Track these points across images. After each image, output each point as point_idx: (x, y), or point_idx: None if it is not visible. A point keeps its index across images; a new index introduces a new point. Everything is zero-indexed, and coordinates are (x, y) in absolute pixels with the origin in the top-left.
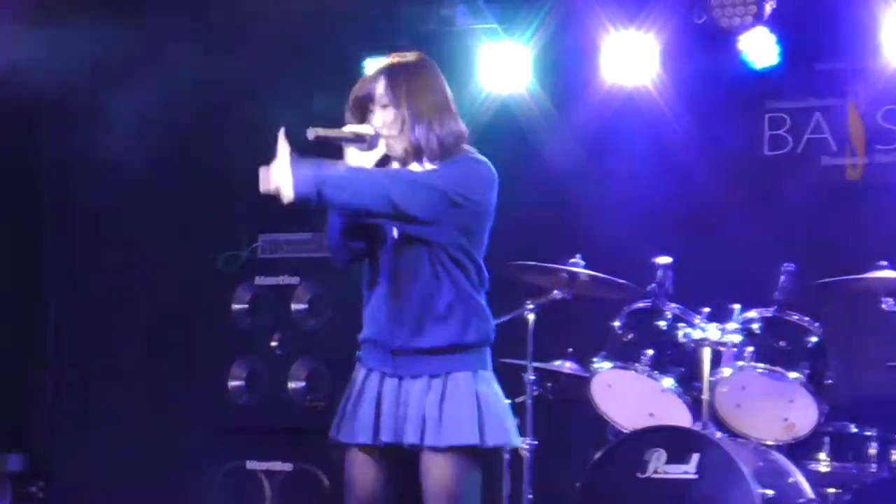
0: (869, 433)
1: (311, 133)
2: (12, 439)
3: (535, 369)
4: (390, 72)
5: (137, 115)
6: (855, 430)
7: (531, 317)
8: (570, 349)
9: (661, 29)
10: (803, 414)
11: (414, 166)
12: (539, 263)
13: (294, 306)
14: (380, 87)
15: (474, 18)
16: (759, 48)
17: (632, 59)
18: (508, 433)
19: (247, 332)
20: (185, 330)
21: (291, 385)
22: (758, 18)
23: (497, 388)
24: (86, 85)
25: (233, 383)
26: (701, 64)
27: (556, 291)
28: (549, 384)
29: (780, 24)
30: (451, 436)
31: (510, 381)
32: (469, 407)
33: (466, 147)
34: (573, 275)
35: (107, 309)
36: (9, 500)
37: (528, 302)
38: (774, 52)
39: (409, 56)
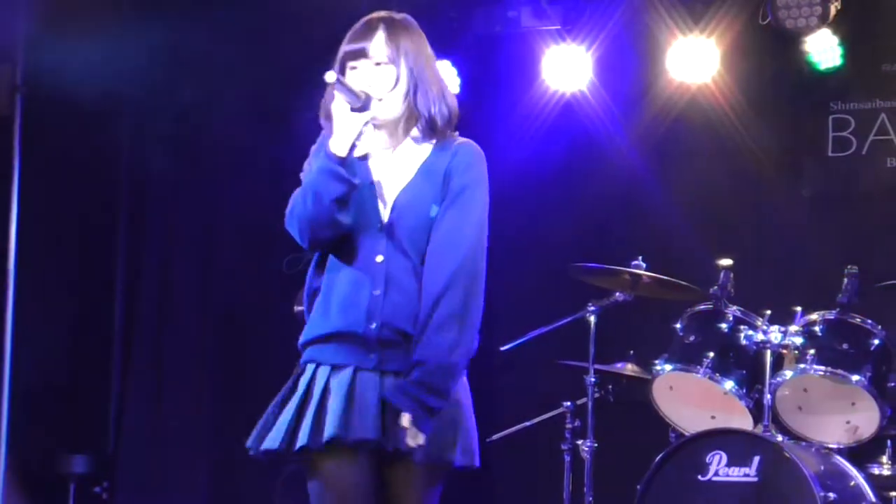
0: None
1: (331, 76)
2: (77, 440)
3: (597, 371)
4: (388, 27)
5: (204, 125)
6: None
7: (592, 318)
8: (632, 351)
9: (726, 30)
10: (866, 417)
11: (405, 144)
12: (601, 265)
13: None
14: (377, 44)
15: (538, 20)
16: (824, 49)
17: (696, 61)
18: (476, 455)
19: None
20: (251, 332)
21: None
22: (822, 20)
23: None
24: (161, 93)
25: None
26: (765, 65)
27: (618, 293)
28: (610, 386)
29: (845, 25)
30: (438, 452)
31: (571, 383)
32: (454, 422)
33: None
34: (635, 276)
35: (175, 310)
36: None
37: (589, 304)
38: (838, 53)
39: (398, 14)
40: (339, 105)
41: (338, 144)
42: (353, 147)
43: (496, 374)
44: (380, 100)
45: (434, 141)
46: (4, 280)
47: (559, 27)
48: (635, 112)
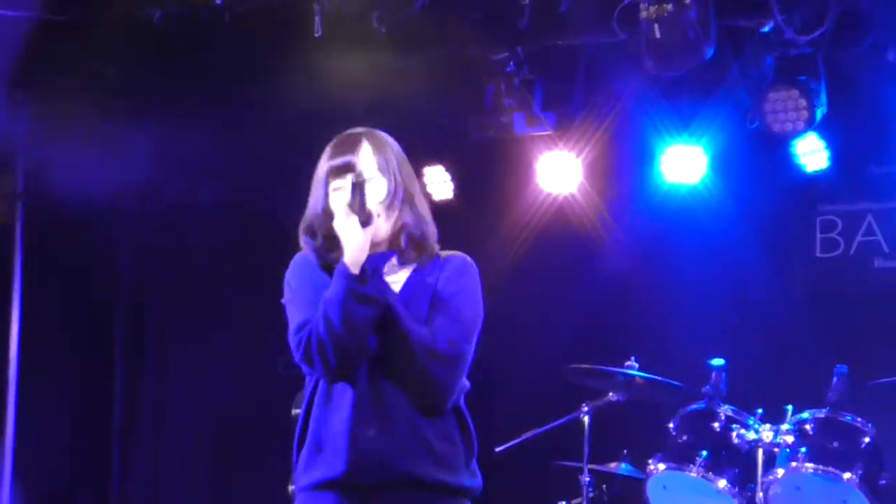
0: None
1: (355, 178)
2: None
3: (591, 471)
4: (371, 139)
5: (202, 221)
6: None
7: (587, 419)
8: (626, 451)
9: (716, 134)
10: None
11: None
12: (595, 367)
13: None
14: (364, 154)
15: (531, 126)
16: (811, 153)
17: (685, 165)
18: None
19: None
20: (247, 432)
21: None
22: (809, 124)
23: None
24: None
25: (293, 487)
26: (754, 168)
27: (611, 394)
28: (604, 486)
29: (832, 129)
30: None
31: (566, 483)
32: None
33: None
34: (628, 378)
35: (171, 417)
36: None
37: (584, 404)
38: (825, 156)
39: (375, 130)
40: (347, 221)
41: (354, 263)
42: (364, 267)
43: (491, 475)
44: (378, 215)
45: (420, 258)
46: (6, 382)
47: (552, 132)
48: (626, 214)
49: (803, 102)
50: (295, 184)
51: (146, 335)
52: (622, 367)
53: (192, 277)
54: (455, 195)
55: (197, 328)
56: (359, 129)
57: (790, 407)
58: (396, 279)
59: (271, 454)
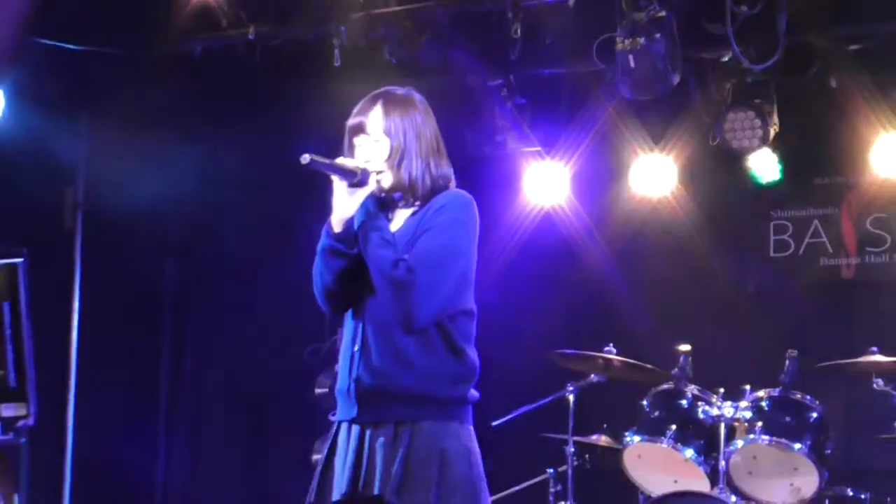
0: (863, 496)
1: (305, 158)
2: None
3: (576, 442)
4: (385, 102)
5: (237, 225)
6: (851, 493)
7: (571, 397)
8: (605, 424)
9: (681, 150)
10: (807, 480)
11: (400, 211)
12: (578, 351)
13: None
14: (374, 118)
15: (522, 142)
16: (765, 166)
17: (656, 177)
18: None
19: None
20: (277, 412)
21: None
22: (763, 141)
23: None
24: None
25: (316, 457)
26: (716, 180)
27: (592, 375)
28: (587, 455)
29: (783, 145)
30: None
31: (554, 453)
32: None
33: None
34: (607, 361)
35: (212, 396)
36: None
37: (568, 384)
38: (777, 169)
39: (401, 89)
40: (336, 183)
41: (336, 220)
42: (350, 221)
43: (488, 445)
44: (380, 172)
45: (417, 204)
46: (68, 366)
47: (540, 148)
48: (605, 221)
49: (758, 122)
50: (317, 194)
51: (188, 325)
52: (602, 351)
53: (228, 275)
54: None
55: (233, 319)
56: (382, 90)
57: (748, 387)
58: (398, 220)
59: (300, 429)
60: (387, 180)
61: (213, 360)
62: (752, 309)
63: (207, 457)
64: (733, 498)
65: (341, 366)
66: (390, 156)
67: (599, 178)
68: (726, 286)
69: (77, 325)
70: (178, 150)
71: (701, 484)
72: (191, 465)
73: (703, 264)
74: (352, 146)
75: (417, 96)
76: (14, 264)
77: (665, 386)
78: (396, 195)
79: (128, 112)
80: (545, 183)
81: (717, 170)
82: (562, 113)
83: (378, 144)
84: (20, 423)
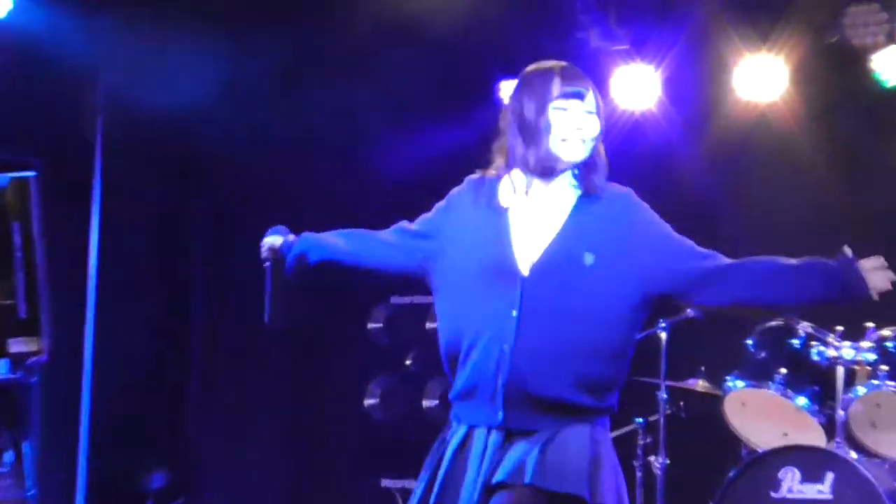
0: None
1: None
2: (156, 457)
3: (668, 388)
4: (593, 84)
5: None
6: None
7: (664, 335)
8: (703, 367)
9: (793, 49)
10: None
11: (555, 192)
12: None
13: (429, 324)
14: (592, 94)
15: (607, 41)
16: (891, 66)
17: (764, 79)
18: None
19: (382, 351)
20: (325, 348)
21: (426, 403)
22: (890, 38)
23: None
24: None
25: (369, 401)
26: (832, 82)
27: (688, 309)
28: (682, 402)
29: None
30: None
31: (643, 400)
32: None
33: None
34: None
35: (252, 328)
36: None
37: (660, 320)
38: None
39: None
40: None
41: None
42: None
43: None
44: (587, 142)
45: (581, 190)
46: (84, 299)
47: (628, 47)
48: (704, 129)
49: (884, 16)
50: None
51: (223, 248)
52: None
53: (272, 192)
54: None
55: None
56: (578, 69)
57: (871, 324)
58: (559, 206)
59: (348, 368)
60: (580, 154)
61: (251, 288)
62: (876, 232)
63: (250, 400)
64: (853, 453)
65: (476, 362)
66: (600, 134)
67: (697, 82)
68: (845, 206)
69: (97, 249)
70: (212, 46)
71: (815, 437)
72: (230, 411)
73: (820, 179)
74: (553, 99)
75: None
76: (25, 178)
77: (773, 322)
78: (566, 173)
79: (151, 11)
80: (634, 86)
81: (835, 71)
82: (653, 6)
83: (590, 118)
84: (31, 359)
